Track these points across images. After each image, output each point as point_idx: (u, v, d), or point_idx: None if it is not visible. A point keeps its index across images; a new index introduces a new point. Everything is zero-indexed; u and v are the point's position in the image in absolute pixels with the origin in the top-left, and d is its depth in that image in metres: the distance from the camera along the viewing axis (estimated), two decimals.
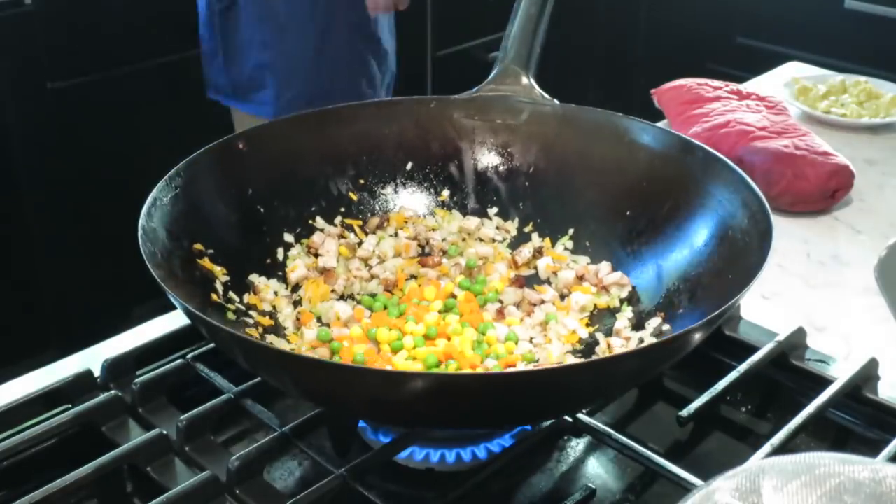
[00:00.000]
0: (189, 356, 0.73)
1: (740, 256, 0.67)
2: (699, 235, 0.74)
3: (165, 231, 0.68)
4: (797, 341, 0.77)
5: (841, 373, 0.72)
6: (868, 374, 0.73)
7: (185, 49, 1.74)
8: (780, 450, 0.64)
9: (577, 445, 0.70)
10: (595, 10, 2.55)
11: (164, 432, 0.66)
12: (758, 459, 0.62)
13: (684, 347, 0.61)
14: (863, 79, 1.35)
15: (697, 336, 0.60)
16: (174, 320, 0.80)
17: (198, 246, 0.71)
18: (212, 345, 0.74)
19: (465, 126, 0.85)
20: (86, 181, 1.86)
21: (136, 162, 1.51)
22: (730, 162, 0.74)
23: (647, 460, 0.65)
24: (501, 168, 0.85)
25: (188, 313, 0.60)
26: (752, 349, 0.75)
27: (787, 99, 1.32)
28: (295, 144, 0.81)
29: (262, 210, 0.78)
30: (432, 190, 0.85)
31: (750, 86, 1.41)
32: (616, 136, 0.81)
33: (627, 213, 0.79)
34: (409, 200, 0.84)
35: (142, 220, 0.66)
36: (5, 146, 1.79)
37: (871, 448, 0.68)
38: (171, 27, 1.82)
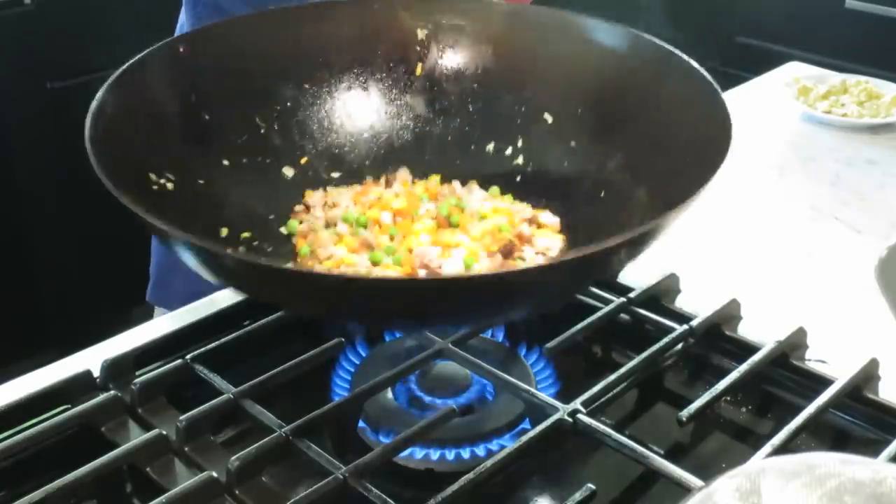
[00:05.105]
0: (188, 357, 0.73)
1: (699, 156, 0.64)
2: (653, 134, 0.72)
3: (112, 141, 0.65)
4: (797, 341, 0.77)
5: (841, 373, 0.72)
6: (868, 375, 0.73)
7: None
8: (781, 450, 0.64)
9: (577, 445, 0.70)
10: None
11: (164, 433, 0.66)
12: (758, 460, 0.62)
13: (616, 258, 0.59)
14: (863, 79, 1.35)
15: (654, 231, 0.57)
16: (174, 320, 0.80)
17: (152, 174, 0.69)
18: (212, 345, 0.75)
19: (411, 28, 0.83)
20: (85, 181, 1.86)
21: None
22: (684, 56, 0.72)
23: (648, 461, 0.65)
24: (450, 70, 0.83)
25: (138, 217, 0.56)
26: (753, 349, 0.75)
27: (787, 99, 1.32)
28: (237, 48, 0.78)
29: (207, 117, 0.76)
30: (380, 93, 0.83)
31: (750, 86, 1.42)
32: (566, 33, 0.79)
33: (579, 111, 0.78)
34: (355, 104, 0.83)
35: (88, 131, 0.63)
36: (5, 146, 1.79)
37: (871, 448, 0.68)
38: (171, 27, 1.82)
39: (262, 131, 0.79)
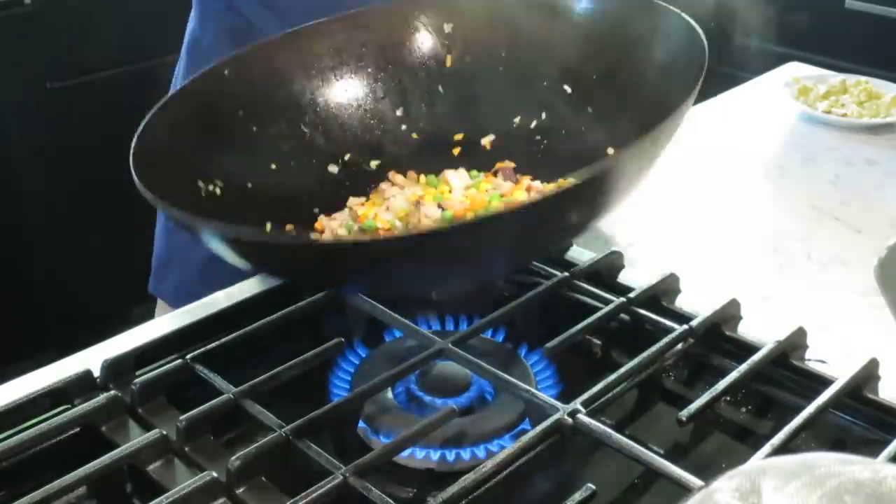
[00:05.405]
0: (189, 356, 0.73)
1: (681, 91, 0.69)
2: (637, 90, 0.77)
3: (160, 153, 0.70)
4: (797, 341, 0.77)
5: (841, 373, 0.72)
6: (868, 375, 0.73)
7: None
8: (781, 450, 0.64)
9: (577, 445, 0.70)
10: None
11: (164, 433, 0.66)
12: (758, 460, 0.62)
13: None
14: (863, 79, 1.35)
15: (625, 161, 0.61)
16: (174, 320, 0.80)
17: (201, 182, 0.73)
18: (212, 345, 0.75)
19: (436, 25, 0.88)
20: (85, 181, 1.86)
21: None
22: (668, 6, 0.77)
23: (648, 461, 0.65)
24: (477, 58, 0.88)
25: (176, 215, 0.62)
26: (753, 349, 0.75)
27: (787, 99, 1.32)
28: (277, 64, 0.84)
29: (255, 128, 0.81)
30: (415, 88, 0.88)
31: (750, 86, 1.42)
32: (551, 9, 0.85)
33: (594, 77, 0.83)
34: (393, 100, 0.88)
35: (133, 147, 0.67)
36: (5, 146, 1.79)
37: (871, 448, 0.68)
38: (172, 27, 1.83)
39: (307, 137, 0.85)
